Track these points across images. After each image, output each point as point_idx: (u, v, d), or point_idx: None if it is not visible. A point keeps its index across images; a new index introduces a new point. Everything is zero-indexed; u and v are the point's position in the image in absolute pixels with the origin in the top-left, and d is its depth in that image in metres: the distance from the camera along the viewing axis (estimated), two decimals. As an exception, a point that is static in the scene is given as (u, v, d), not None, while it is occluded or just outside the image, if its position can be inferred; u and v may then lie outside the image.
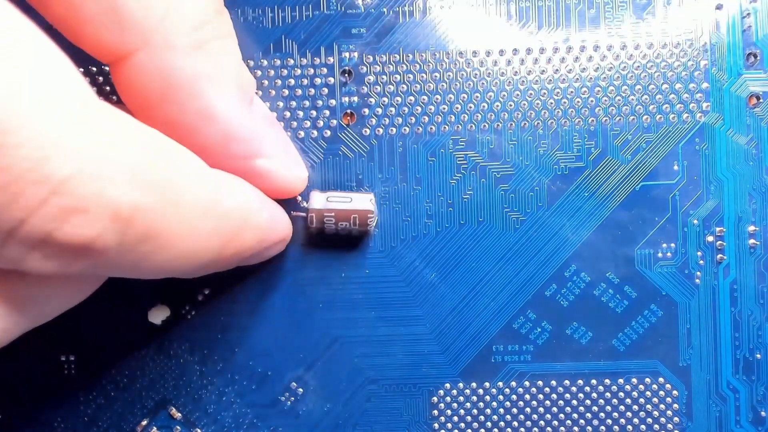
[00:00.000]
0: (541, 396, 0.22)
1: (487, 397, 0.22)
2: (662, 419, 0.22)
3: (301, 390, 0.22)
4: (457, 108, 0.21)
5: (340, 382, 0.22)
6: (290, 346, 0.22)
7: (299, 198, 0.22)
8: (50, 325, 0.19)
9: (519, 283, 0.22)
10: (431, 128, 0.21)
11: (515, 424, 0.22)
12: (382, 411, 0.22)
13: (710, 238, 0.21)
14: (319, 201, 0.20)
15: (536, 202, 0.22)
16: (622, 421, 0.22)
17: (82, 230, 0.13)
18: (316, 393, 0.22)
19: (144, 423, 0.22)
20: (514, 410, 0.22)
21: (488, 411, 0.22)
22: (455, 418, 0.22)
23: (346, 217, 0.20)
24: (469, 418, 0.22)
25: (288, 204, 0.22)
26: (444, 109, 0.21)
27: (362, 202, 0.21)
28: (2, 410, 0.22)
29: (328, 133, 0.21)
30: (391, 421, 0.22)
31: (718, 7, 0.21)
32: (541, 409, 0.22)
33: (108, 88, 0.22)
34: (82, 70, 0.21)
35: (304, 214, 0.21)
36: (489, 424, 0.22)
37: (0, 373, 0.22)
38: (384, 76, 0.21)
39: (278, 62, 0.21)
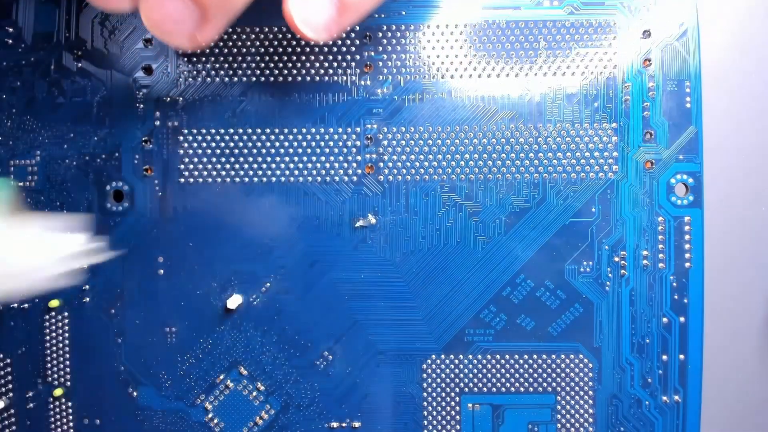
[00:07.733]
0: (498, 365, 0.25)
1: (461, 366, 0.25)
2: (581, 383, 0.25)
3: (331, 357, 0.25)
4: (444, 164, 0.25)
5: (358, 352, 0.25)
6: (324, 326, 0.25)
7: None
8: (161, 305, 0.24)
9: (484, 286, 0.25)
10: (426, 177, 0.25)
11: (480, 385, 0.25)
12: (387, 373, 0.25)
13: (616, 259, 0.25)
14: None
15: (497, 230, 0.25)
16: (554, 384, 0.25)
17: None
18: (342, 359, 0.25)
19: (222, 377, 0.25)
20: (480, 375, 0.25)
21: (461, 375, 0.25)
22: (438, 380, 0.25)
23: None
24: (448, 380, 0.25)
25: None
26: (435, 164, 0.25)
27: None
28: (126, 367, 0.25)
29: (356, 178, 0.25)
30: (393, 381, 0.25)
31: (625, 114, 0.24)
32: (498, 375, 0.25)
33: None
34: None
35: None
36: (462, 384, 0.25)
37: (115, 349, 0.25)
38: (394, 141, 0.25)
39: (323, 130, 0.25)
